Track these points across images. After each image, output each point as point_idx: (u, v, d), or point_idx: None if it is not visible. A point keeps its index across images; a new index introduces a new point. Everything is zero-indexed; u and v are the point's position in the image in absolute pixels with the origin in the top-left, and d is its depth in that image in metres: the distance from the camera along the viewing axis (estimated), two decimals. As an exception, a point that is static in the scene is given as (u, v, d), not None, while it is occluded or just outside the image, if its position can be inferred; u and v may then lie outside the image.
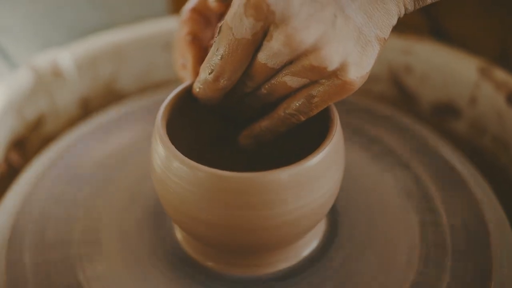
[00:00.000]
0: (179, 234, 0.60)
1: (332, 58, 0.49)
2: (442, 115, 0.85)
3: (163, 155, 0.52)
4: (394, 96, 0.89)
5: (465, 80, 0.81)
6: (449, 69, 0.83)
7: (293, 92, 0.53)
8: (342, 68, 0.50)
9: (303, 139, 0.60)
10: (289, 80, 0.51)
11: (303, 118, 0.53)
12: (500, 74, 0.79)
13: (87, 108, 0.88)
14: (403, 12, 0.53)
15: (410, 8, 0.53)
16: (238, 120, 0.59)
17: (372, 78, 0.89)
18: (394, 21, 0.52)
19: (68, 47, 0.87)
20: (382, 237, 0.61)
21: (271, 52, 0.49)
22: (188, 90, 0.57)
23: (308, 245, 0.59)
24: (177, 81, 0.90)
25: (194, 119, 0.61)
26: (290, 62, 0.50)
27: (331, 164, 0.52)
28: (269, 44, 0.49)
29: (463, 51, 0.83)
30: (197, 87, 0.55)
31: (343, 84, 0.50)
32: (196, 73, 0.59)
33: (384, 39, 0.51)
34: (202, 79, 0.53)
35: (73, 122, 0.86)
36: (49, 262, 0.59)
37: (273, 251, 0.56)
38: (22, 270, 0.58)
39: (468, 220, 0.62)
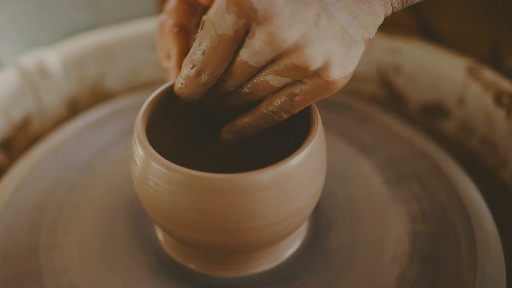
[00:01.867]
0: (160, 235, 0.60)
1: (314, 57, 0.48)
2: (431, 115, 0.85)
3: (142, 156, 0.52)
4: (383, 97, 0.88)
5: (454, 80, 0.81)
6: (438, 69, 0.83)
7: (275, 91, 0.52)
8: (325, 68, 0.49)
9: (290, 138, 0.60)
10: (271, 79, 0.51)
11: (285, 116, 0.54)
12: (488, 74, 0.78)
13: (75, 108, 0.88)
14: (390, 11, 0.52)
15: (398, 6, 0.53)
16: (221, 120, 0.59)
17: (361, 78, 0.89)
18: (380, 21, 0.52)
19: (55, 47, 0.86)
20: (366, 234, 0.60)
21: (253, 50, 0.49)
22: (171, 90, 0.57)
23: (291, 245, 0.58)
24: (165, 81, 0.90)
25: (178, 119, 0.60)
26: (272, 61, 0.50)
27: (312, 164, 0.52)
28: (251, 41, 0.48)
29: (452, 52, 0.83)
30: (179, 83, 0.55)
31: (326, 84, 0.50)
32: (180, 66, 0.59)
33: (370, 39, 0.51)
34: (184, 74, 0.53)
35: (60, 122, 0.86)
36: (26, 270, 0.59)
37: (255, 253, 0.56)
38: None
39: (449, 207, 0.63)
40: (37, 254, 0.60)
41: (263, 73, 0.51)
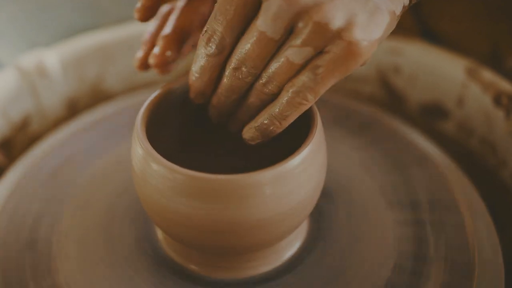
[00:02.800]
0: (159, 235, 0.60)
1: (335, 13, 0.47)
2: (430, 116, 0.85)
3: (141, 156, 0.52)
4: (382, 97, 0.88)
5: (453, 81, 0.81)
6: (437, 69, 0.83)
7: (296, 73, 0.50)
8: (347, 28, 0.47)
9: (291, 140, 0.60)
10: (291, 53, 0.48)
11: (309, 96, 0.50)
12: (487, 75, 0.78)
13: (74, 109, 0.88)
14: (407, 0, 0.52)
15: None
16: (232, 131, 0.58)
17: (360, 79, 0.88)
18: None
19: (54, 47, 0.86)
20: (366, 235, 0.60)
21: (270, 11, 0.47)
22: (171, 90, 0.57)
23: (291, 247, 0.58)
24: (165, 81, 0.90)
25: (178, 120, 0.60)
26: (290, 32, 0.48)
27: (312, 165, 0.52)
28: (267, 3, 0.47)
29: (451, 52, 0.83)
30: (194, 62, 0.53)
31: (349, 47, 0.48)
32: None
33: (394, 12, 0.50)
34: (198, 46, 0.52)
35: (59, 122, 0.86)
36: (24, 269, 0.59)
37: (254, 253, 0.56)
38: None
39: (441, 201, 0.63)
40: (35, 253, 0.60)
41: (282, 51, 0.49)
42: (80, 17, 0.92)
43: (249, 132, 0.54)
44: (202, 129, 0.62)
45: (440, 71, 0.82)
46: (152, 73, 0.90)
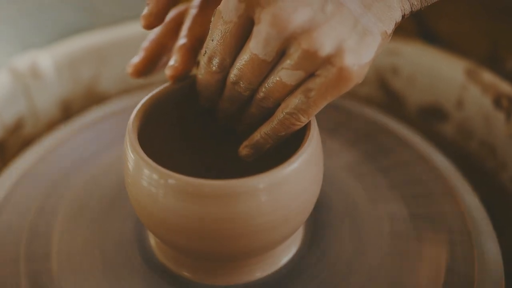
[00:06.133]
0: (152, 241, 0.59)
1: (323, 40, 0.47)
2: (429, 117, 0.84)
3: (133, 161, 0.51)
4: (380, 99, 0.88)
5: (452, 82, 0.81)
6: (436, 71, 0.82)
7: (290, 92, 0.51)
8: (337, 53, 0.48)
9: (287, 146, 0.59)
10: (284, 75, 0.50)
11: (302, 118, 0.52)
12: (487, 76, 0.78)
13: (68, 111, 0.87)
14: (408, 9, 0.52)
15: (417, 4, 0.52)
16: (219, 125, 0.58)
17: (358, 80, 0.88)
18: (396, 15, 0.51)
19: (48, 49, 0.86)
20: (363, 241, 0.60)
21: (260, 37, 0.48)
22: (164, 93, 0.56)
23: (287, 252, 0.58)
24: (161, 82, 0.90)
25: (172, 123, 0.60)
26: (282, 54, 0.49)
27: (307, 170, 0.51)
28: (257, 28, 0.48)
29: (450, 53, 0.83)
30: (199, 74, 0.55)
31: (339, 72, 0.48)
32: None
33: (386, 32, 0.50)
34: (200, 63, 0.54)
35: (53, 125, 0.85)
36: (18, 273, 0.58)
37: (249, 259, 0.55)
38: None
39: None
40: (28, 258, 0.59)
41: (275, 71, 0.50)
42: (75, 18, 0.92)
43: (244, 151, 0.56)
44: (197, 132, 0.62)
45: (439, 72, 0.82)
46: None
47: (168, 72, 0.57)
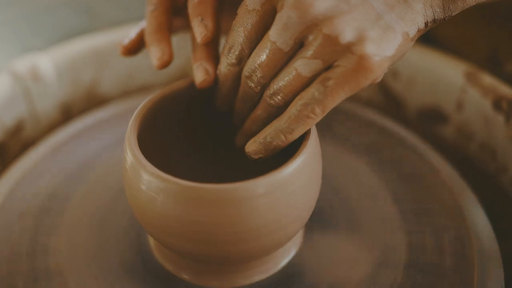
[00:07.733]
0: (151, 244, 0.59)
1: (345, 27, 0.47)
2: (429, 120, 0.84)
3: (133, 165, 0.51)
4: (380, 101, 0.88)
5: (452, 85, 0.81)
6: (436, 74, 0.82)
7: (302, 90, 0.50)
8: (358, 42, 0.47)
9: (286, 150, 0.59)
10: (300, 65, 0.49)
11: (317, 109, 0.49)
12: (487, 79, 0.78)
13: (68, 113, 0.87)
14: (430, 15, 0.51)
15: (439, 12, 0.51)
16: (219, 128, 0.58)
17: (358, 82, 0.88)
18: (419, 20, 0.50)
19: (48, 51, 0.86)
20: (362, 243, 0.60)
21: (281, 22, 0.48)
22: (164, 96, 0.56)
23: (286, 255, 0.58)
24: (162, 84, 0.90)
25: (172, 127, 0.60)
26: (300, 46, 0.49)
27: (306, 173, 0.51)
28: (279, 14, 0.48)
29: (450, 56, 0.83)
30: (218, 70, 0.55)
31: (359, 61, 0.48)
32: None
33: (407, 33, 0.50)
34: (221, 58, 0.54)
35: (53, 127, 0.85)
36: (18, 273, 0.58)
37: (249, 263, 0.55)
38: None
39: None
40: (28, 258, 0.59)
41: (291, 62, 0.50)
42: (75, 21, 0.92)
43: (252, 146, 0.53)
44: (197, 135, 0.62)
45: (439, 75, 0.82)
46: (148, 76, 0.90)
47: (202, 30, 0.55)
